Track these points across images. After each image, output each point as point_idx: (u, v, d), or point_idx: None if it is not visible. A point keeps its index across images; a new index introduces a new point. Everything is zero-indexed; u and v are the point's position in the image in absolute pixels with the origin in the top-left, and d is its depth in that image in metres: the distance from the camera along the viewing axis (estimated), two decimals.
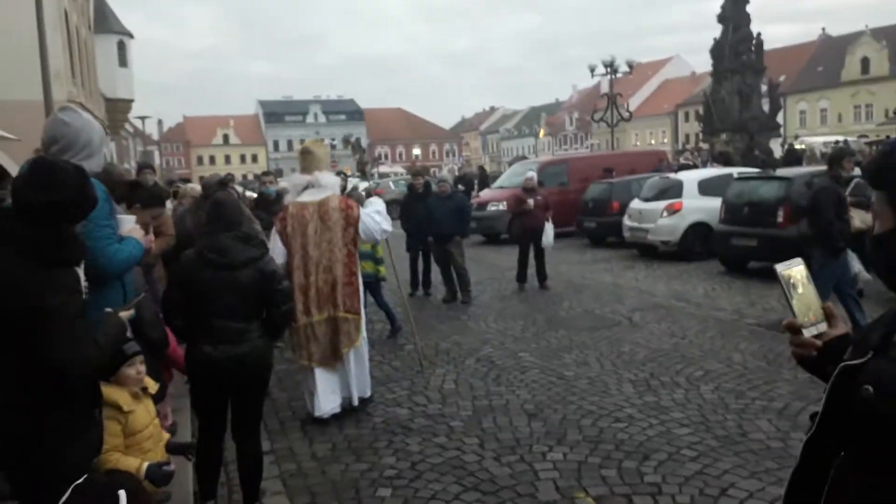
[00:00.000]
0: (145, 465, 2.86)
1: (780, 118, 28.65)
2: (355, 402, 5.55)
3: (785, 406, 5.21)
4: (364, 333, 5.60)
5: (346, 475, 4.45)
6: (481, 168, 32.73)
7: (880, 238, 1.31)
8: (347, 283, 5.33)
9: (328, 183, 5.44)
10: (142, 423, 3.01)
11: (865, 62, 53.41)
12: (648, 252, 13.51)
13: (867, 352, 1.23)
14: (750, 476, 4.12)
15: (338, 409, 5.43)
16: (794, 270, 1.50)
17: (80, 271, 2.46)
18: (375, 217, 5.51)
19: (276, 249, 5.19)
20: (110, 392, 2.87)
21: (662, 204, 13.07)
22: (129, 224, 3.39)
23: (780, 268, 1.48)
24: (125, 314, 2.67)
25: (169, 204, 7.52)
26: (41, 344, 2.22)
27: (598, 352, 6.93)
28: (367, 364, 5.70)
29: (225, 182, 7.12)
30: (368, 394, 5.72)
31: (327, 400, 5.37)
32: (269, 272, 3.72)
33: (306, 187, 5.43)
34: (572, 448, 4.66)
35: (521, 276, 10.73)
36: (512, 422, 5.19)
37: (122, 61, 28.34)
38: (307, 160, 5.61)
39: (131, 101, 29.41)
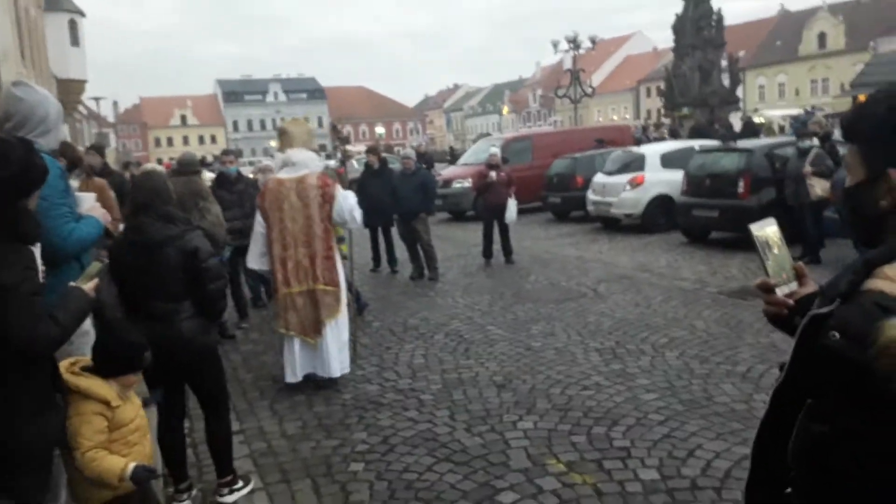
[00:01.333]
0: (131, 466, 2.70)
1: (739, 92, 29.11)
2: (334, 374, 5.54)
3: (748, 369, 5.33)
4: (345, 308, 5.66)
5: (318, 452, 4.44)
6: (451, 149, 32.36)
7: (850, 191, 1.32)
8: (326, 257, 5.47)
9: (301, 160, 5.54)
10: (128, 416, 2.88)
11: (822, 37, 54.40)
12: (612, 225, 13.66)
13: (834, 300, 1.25)
14: (716, 438, 4.21)
15: (310, 375, 5.56)
16: (769, 230, 1.51)
17: (37, 251, 2.38)
18: (351, 202, 5.59)
19: (257, 221, 5.54)
20: (98, 386, 2.75)
21: (625, 177, 13.19)
22: (88, 202, 3.28)
23: (755, 228, 1.49)
24: (90, 285, 2.58)
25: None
26: None
27: (565, 323, 6.99)
28: (345, 339, 5.70)
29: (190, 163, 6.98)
30: (347, 370, 5.73)
31: (302, 367, 5.52)
32: (191, 249, 3.56)
33: (284, 165, 5.61)
34: (542, 416, 4.71)
35: (487, 252, 10.76)
36: (482, 393, 5.22)
37: (74, 40, 27.40)
38: (283, 139, 5.76)
39: (84, 81, 28.51)
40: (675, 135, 19.98)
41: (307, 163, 5.58)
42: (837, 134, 11.12)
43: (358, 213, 5.65)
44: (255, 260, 5.72)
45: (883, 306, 1.01)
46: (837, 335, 1.11)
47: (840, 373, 1.15)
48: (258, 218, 5.58)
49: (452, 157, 25.52)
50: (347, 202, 5.56)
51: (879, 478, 1.09)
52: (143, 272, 3.50)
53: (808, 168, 9.09)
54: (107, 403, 2.77)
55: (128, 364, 2.89)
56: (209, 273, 3.62)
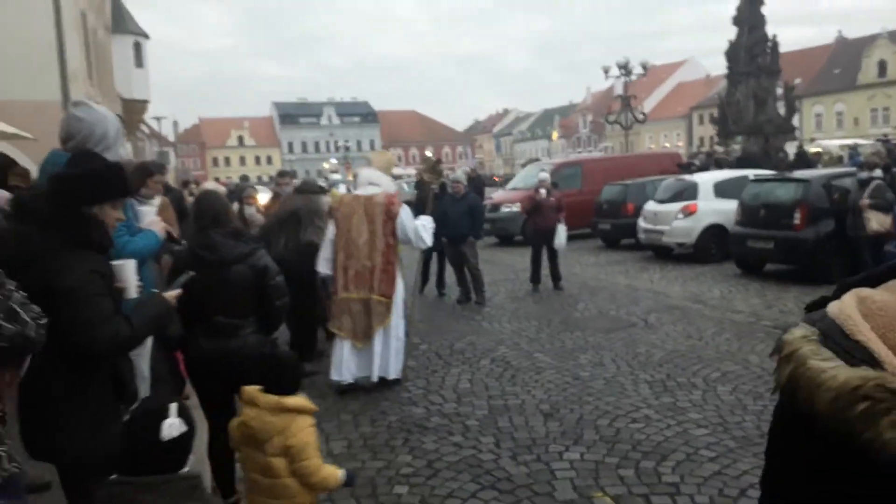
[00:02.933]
0: (342, 472, 3.01)
1: (795, 121, 28.44)
2: (374, 378, 5.95)
3: None
4: (399, 317, 6.09)
5: (363, 473, 4.44)
6: (473, 172, 29.87)
7: None
8: (383, 270, 5.94)
9: (376, 180, 6.20)
10: None
11: (882, 65, 52.91)
12: (663, 254, 13.45)
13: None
14: None
15: (353, 381, 5.96)
16: None
17: (131, 266, 2.50)
18: (416, 224, 6.13)
19: (328, 229, 6.13)
20: (306, 402, 3.04)
21: (678, 206, 13.00)
22: (149, 216, 3.40)
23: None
24: (172, 294, 2.69)
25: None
26: (65, 324, 2.24)
27: (614, 353, 6.89)
28: (398, 347, 6.09)
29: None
30: (398, 377, 6.09)
31: (348, 369, 5.93)
32: (261, 267, 3.66)
33: (363, 183, 6.27)
34: (589, 448, 4.63)
35: (535, 277, 10.71)
36: (528, 421, 5.17)
37: (139, 62, 28.48)
38: (376, 159, 6.65)
39: (147, 101, 29.60)
40: (719, 164, 19.48)
41: (381, 184, 6.17)
42: None
43: (426, 235, 6.18)
44: (323, 264, 6.12)
45: (812, 318, 0.98)
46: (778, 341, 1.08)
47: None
48: (330, 226, 6.11)
49: (478, 182, 25.26)
50: (411, 222, 6.05)
51: None
52: (211, 289, 3.57)
53: (865, 200, 8.83)
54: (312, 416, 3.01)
55: (298, 383, 3.13)
56: (277, 290, 3.72)
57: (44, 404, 2.38)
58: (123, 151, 3.56)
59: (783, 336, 0.97)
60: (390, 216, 5.95)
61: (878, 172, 9.35)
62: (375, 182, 6.17)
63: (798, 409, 0.91)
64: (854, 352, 0.89)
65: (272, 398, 2.95)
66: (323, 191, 7.56)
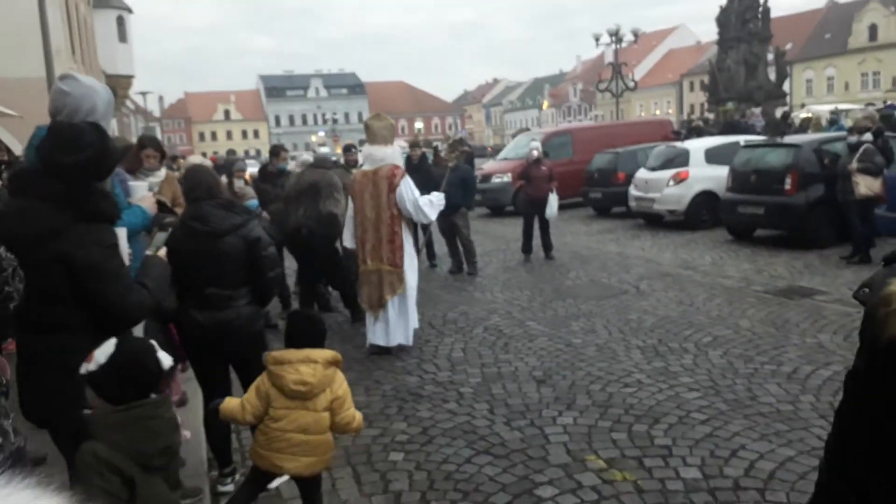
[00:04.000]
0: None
1: (786, 86, 28.37)
2: (391, 344, 6.21)
3: (794, 370, 5.22)
4: (411, 285, 6.29)
5: (358, 441, 4.48)
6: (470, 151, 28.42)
7: None
8: (390, 241, 6.16)
9: (381, 155, 6.24)
10: None
11: (873, 29, 52.66)
12: (654, 222, 13.48)
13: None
14: (760, 438, 4.14)
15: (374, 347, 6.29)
16: None
17: (122, 235, 2.54)
18: (420, 199, 6.22)
19: (350, 209, 6.41)
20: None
21: (669, 173, 13.00)
22: (140, 192, 3.36)
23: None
24: (161, 253, 2.77)
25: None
26: (93, 296, 2.38)
27: (606, 320, 6.94)
28: (410, 314, 6.30)
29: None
30: (410, 343, 6.30)
31: (375, 336, 6.26)
32: (253, 239, 3.65)
33: (366, 159, 6.40)
34: (582, 412, 4.68)
35: (527, 247, 10.72)
36: (521, 388, 5.22)
37: (122, 37, 28.05)
38: (368, 135, 6.43)
39: (132, 76, 29.21)
40: (698, 132, 19.35)
41: (385, 157, 6.25)
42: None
43: (429, 210, 6.27)
44: (349, 240, 6.49)
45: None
46: (867, 290, 1.09)
47: (869, 331, 1.09)
48: (350, 203, 6.42)
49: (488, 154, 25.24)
50: (410, 195, 6.15)
51: None
52: (202, 259, 3.57)
53: (854, 164, 8.84)
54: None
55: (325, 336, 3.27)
56: (269, 261, 3.71)
57: (52, 371, 2.43)
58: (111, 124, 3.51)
59: (890, 288, 0.97)
60: (392, 187, 6.08)
61: (867, 136, 9.35)
62: (376, 156, 6.26)
63: None
64: None
65: (327, 352, 3.11)
66: (336, 165, 7.85)
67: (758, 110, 22.89)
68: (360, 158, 7.78)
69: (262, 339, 3.89)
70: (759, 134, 17.19)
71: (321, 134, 71.40)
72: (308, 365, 3.05)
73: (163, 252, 2.81)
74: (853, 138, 9.25)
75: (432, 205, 6.32)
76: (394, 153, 6.36)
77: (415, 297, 6.43)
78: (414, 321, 6.41)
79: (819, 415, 4.42)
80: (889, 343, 0.96)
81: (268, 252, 3.71)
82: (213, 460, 4.03)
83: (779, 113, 23.73)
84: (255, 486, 3.29)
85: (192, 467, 3.99)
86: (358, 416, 3.19)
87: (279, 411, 3.06)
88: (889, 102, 25.92)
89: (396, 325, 6.21)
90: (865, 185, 8.79)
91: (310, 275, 7.47)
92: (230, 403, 3.18)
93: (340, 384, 3.14)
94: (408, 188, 6.14)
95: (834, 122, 18.69)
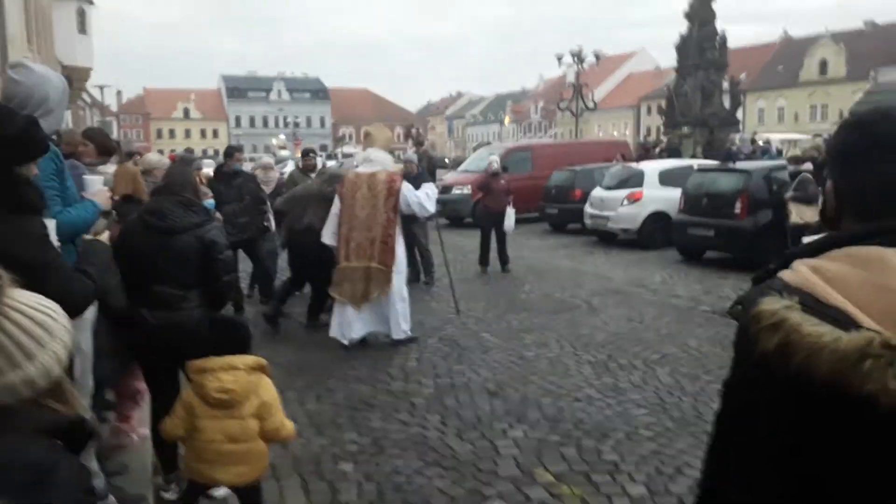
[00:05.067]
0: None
1: (739, 114, 29.27)
2: (394, 336, 6.59)
3: None
4: (402, 284, 6.67)
5: (308, 449, 4.44)
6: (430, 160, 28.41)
7: None
8: (383, 242, 6.47)
9: (378, 159, 6.71)
10: None
11: (823, 64, 54.74)
12: (608, 239, 13.72)
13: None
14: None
15: (360, 336, 6.59)
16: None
17: (51, 226, 2.41)
18: (419, 194, 6.67)
19: (334, 204, 6.64)
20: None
21: (623, 193, 13.26)
22: (95, 186, 3.28)
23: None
24: (104, 236, 2.64)
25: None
26: (32, 290, 2.20)
27: (558, 334, 7.02)
28: (403, 309, 6.65)
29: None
30: (401, 336, 6.62)
31: (353, 329, 6.52)
32: (209, 240, 3.57)
33: (364, 161, 6.77)
34: (532, 426, 4.73)
35: (484, 260, 10.79)
36: (473, 400, 5.24)
37: (82, 28, 27.35)
38: (367, 140, 7.05)
39: (90, 69, 28.46)
40: (674, 153, 20.05)
41: (383, 162, 6.70)
42: None
43: (429, 204, 6.78)
44: (329, 236, 6.68)
45: (773, 287, 1.07)
46: (740, 307, 1.15)
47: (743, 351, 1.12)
48: (335, 201, 6.63)
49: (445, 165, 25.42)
50: (413, 195, 6.61)
51: None
52: (155, 256, 3.49)
53: (789, 193, 9.28)
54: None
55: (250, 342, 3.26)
56: (224, 265, 3.64)
57: None
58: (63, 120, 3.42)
59: (760, 307, 1.02)
60: (392, 192, 6.46)
61: (806, 166, 9.73)
62: (375, 160, 6.65)
63: (788, 372, 0.97)
64: (833, 315, 0.97)
65: (249, 358, 3.07)
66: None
67: (746, 136, 23.42)
68: (319, 163, 8.40)
69: (206, 345, 3.80)
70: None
71: (282, 137, 70.61)
72: (229, 372, 3.02)
73: (105, 236, 2.69)
74: (791, 167, 9.67)
75: (429, 198, 6.80)
76: (390, 160, 6.89)
77: (405, 298, 6.71)
78: (402, 320, 6.66)
79: None
80: (761, 356, 1.01)
81: (223, 255, 3.64)
82: (158, 466, 3.94)
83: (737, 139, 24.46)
84: (193, 499, 3.24)
85: (137, 473, 3.90)
86: (288, 423, 3.16)
87: (204, 421, 3.01)
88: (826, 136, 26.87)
89: (384, 319, 6.58)
90: (797, 213, 9.26)
91: (305, 276, 7.59)
92: (165, 423, 3.14)
93: (267, 390, 3.10)
94: (410, 189, 6.64)
95: (765, 150, 19.35)
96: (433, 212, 7.07)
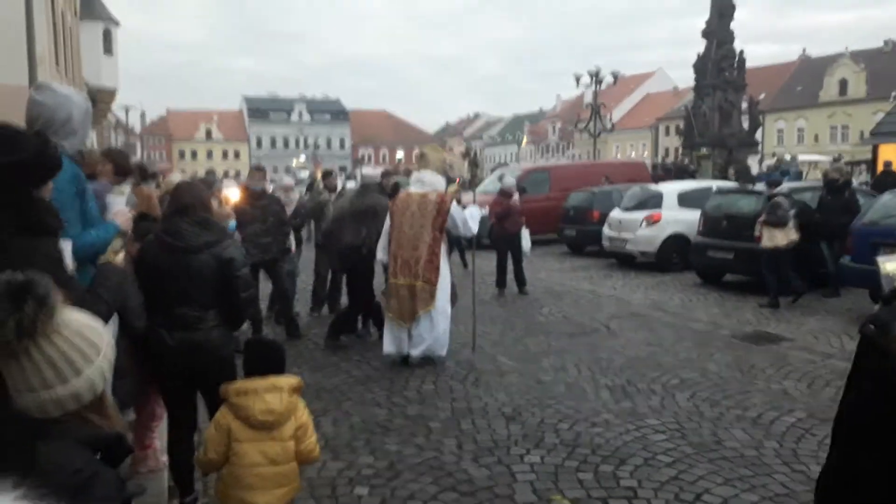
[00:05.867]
0: None
1: (758, 135, 29.11)
2: (415, 354, 6.70)
3: (759, 415, 5.30)
4: (446, 301, 6.86)
5: (323, 473, 4.44)
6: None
7: None
8: (428, 261, 6.68)
9: (430, 181, 6.94)
10: None
11: (843, 84, 54.39)
12: (627, 261, 13.64)
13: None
14: (724, 483, 4.18)
15: (419, 354, 6.73)
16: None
17: (67, 249, 2.43)
18: (464, 215, 6.97)
19: (386, 224, 6.90)
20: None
21: (642, 214, 13.21)
22: (117, 206, 3.33)
23: (882, 260, 1.56)
24: (118, 258, 2.66)
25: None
26: None
27: (576, 357, 6.98)
28: (445, 327, 6.83)
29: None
30: (443, 353, 6.80)
31: (390, 344, 6.77)
32: (226, 259, 3.57)
33: (416, 182, 6.98)
34: (549, 451, 4.69)
35: (501, 282, 10.78)
36: (490, 424, 5.22)
37: (108, 49, 27.90)
38: (421, 161, 7.25)
39: (115, 90, 29.01)
40: (686, 175, 19.91)
41: (434, 184, 6.93)
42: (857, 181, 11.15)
43: (473, 224, 7.05)
44: (381, 252, 6.95)
45: None
46: (873, 326, 1.22)
47: (875, 362, 1.22)
48: (387, 219, 6.85)
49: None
50: (460, 214, 6.93)
51: None
52: (174, 277, 3.51)
53: (762, 217, 9.43)
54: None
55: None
56: (242, 282, 3.63)
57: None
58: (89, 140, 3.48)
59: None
60: (441, 212, 6.72)
61: (780, 189, 9.84)
62: (427, 181, 6.91)
63: None
64: None
65: (292, 379, 3.11)
66: (384, 192, 8.10)
67: (798, 158, 23.30)
68: (340, 183, 8.16)
69: (231, 362, 3.79)
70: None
71: (302, 158, 71.31)
72: (273, 393, 3.02)
73: (119, 258, 2.72)
74: (767, 191, 9.83)
75: (473, 218, 7.08)
76: (442, 182, 7.13)
77: (447, 315, 6.91)
78: (444, 337, 6.85)
79: (782, 461, 4.48)
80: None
81: (241, 273, 3.64)
82: (175, 488, 3.96)
83: (753, 162, 24.37)
84: None
85: (154, 497, 3.92)
86: (318, 447, 3.24)
87: (244, 445, 2.99)
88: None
89: (431, 337, 6.71)
90: (768, 237, 9.35)
91: (357, 289, 7.68)
92: (199, 455, 3.15)
93: (304, 411, 3.13)
94: (457, 209, 6.96)
95: (785, 172, 19.21)
96: (475, 231, 7.25)
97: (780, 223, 9.31)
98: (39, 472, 1.13)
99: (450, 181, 13.74)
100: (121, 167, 5.01)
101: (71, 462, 1.30)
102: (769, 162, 22.78)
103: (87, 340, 1.44)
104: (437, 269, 6.73)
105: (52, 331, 1.40)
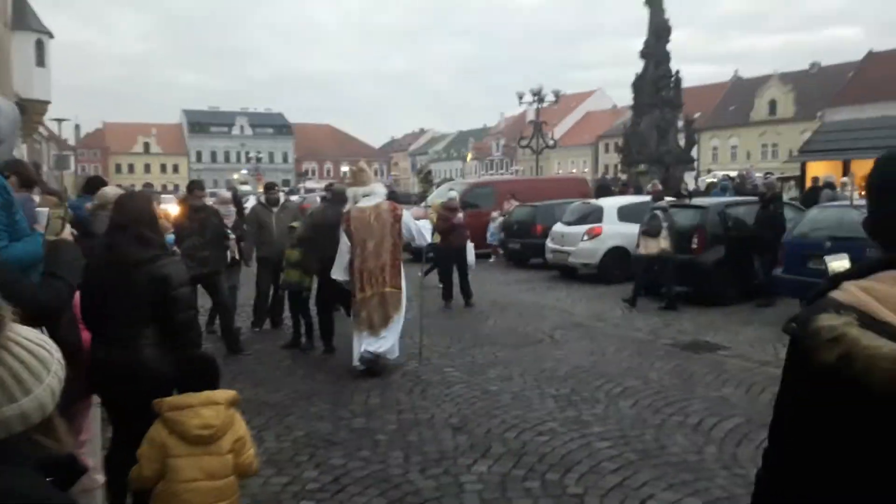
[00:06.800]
0: None
1: (694, 152, 30.08)
2: (379, 351, 6.83)
3: (699, 421, 5.42)
4: (404, 305, 7.06)
5: (267, 489, 4.33)
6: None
7: None
8: (392, 266, 6.92)
9: (378, 192, 7.17)
10: None
11: (773, 104, 56.82)
12: (569, 274, 13.85)
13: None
14: (668, 488, 4.25)
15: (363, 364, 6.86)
16: (843, 263, 1.61)
17: None
18: (418, 224, 7.34)
19: (343, 244, 6.93)
20: None
21: (583, 228, 13.46)
22: (44, 217, 3.19)
23: (829, 259, 1.60)
24: (66, 233, 2.58)
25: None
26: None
27: (522, 368, 7.02)
28: (399, 332, 7.01)
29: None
30: (395, 356, 6.99)
31: (370, 345, 6.81)
32: (161, 276, 3.42)
33: (363, 196, 7.04)
34: (497, 461, 4.69)
35: (447, 294, 10.79)
36: (437, 435, 5.18)
37: (40, 61, 26.98)
38: (359, 176, 7.33)
39: (48, 102, 27.97)
40: (637, 191, 20.43)
41: (381, 194, 7.17)
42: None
43: (426, 233, 7.46)
44: (339, 272, 6.98)
45: (828, 306, 1.20)
46: (794, 325, 1.27)
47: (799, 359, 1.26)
48: (343, 238, 6.93)
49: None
50: (413, 223, 7.22)
51: None
52: (110, 293, 3.40)
53: (642, 227, 10.17)
54: None
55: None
56: (178, 302, 3.46)
57: None
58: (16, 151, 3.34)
59: (822, 322, 1.17)
60: (396, 218, 6.95)
61: (660, 203, 10.65)
62: (376, 192, 7.10)
63: (847, 378, 1.12)
64: (887, 330, 1.12)
65: (228, 393, 3.06)
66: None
67: (758, 174, 23.93)
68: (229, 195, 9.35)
69: (166, 381, 3.45)
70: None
71: (244, 172, 70.15)
72: (210, 408, 2.96)
73: (67, 232, 2.63)
74: (657, 204, 10.63)
75: (426, 229, 7.47)
76: (383, 191, 7.36)
77: (402, 318, 7.10)
78: (398, 342, 7.07)
79: (723, 465, 4.58)
80: (819, 367, 1.16)
81: (178, 292, 3.47)
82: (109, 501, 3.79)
83: (689, 178, 25.14)
84: None
85: None
86: (257, 460, 3.18)
87: (179, 460, 2.91)
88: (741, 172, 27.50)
89: (392, 340, 6.92)
90: (643, 245, 10.40)
91: (334, 302, 7.88)
92: (133, 471, 3.03)
93: (241, 424, 3.08)
94: (410, 218, 7.21)
95: (724, 188, 19.96)
96: (428, 242, 7.43)
97: (653, 234, 10.24)
98: None
99: (393, 195, 13.84)
100: (26, 178, 4.82)
101: (21, 487, 1.22)
102: (731, 176, 23.60)
103: (36, 357, 1.37)
104: (400, 272, 6.98)
105: (1, 346, 1.32)
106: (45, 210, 3.41)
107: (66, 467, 1.42)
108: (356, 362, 6.83)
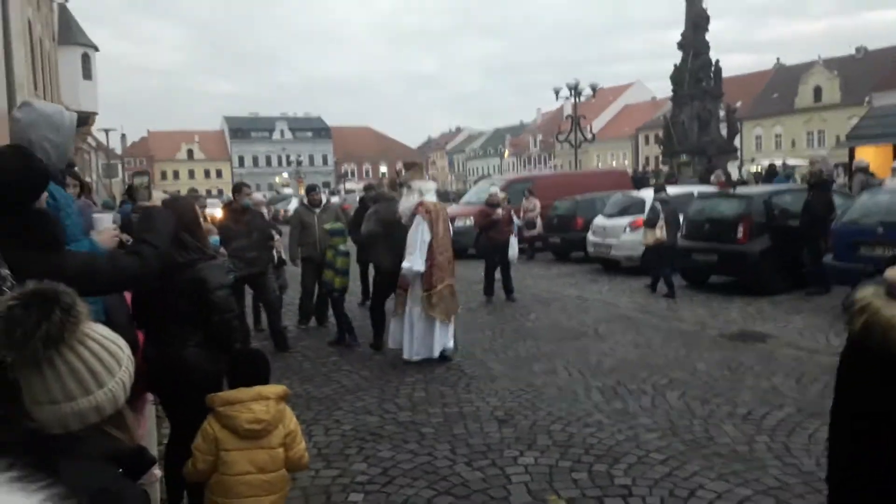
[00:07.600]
0: None
1: (737, 142, 29.47)
2: (451, 346, 7.24)
3: (749, 412, 5.33)
4: None
5: (316, 481, 4.41)
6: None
7: None
8: (450, 262, 7.31)
9: (433, 189, 7.58)
10: None
11: (818, 91, 55.28)
12: (612, 266, 13.71)
13: None
14: (717, 478, 4.19)
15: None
16: None
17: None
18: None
19: (424, 232, 7.02)
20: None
21: (626, 220, 13.30)
22: (104, 224, 3.29)
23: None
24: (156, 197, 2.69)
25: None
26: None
27: (566, 361, 6.99)
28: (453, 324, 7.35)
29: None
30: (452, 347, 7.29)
31: (426, 349, 7.10)
32: (199, 279, 3.52)
33: (428, 191, 7.34)
34: (543, 452, 4.69)
35: (489, 290, 10.79)
36: (482, 428, 5.21)
37: (87, 74, 27.86)
38: (416, 171, 7.63)
39: (95, 113, 28.88)
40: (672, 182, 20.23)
41: (433, 190, 7.54)
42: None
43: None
44: (419, 263, 7.01)
45: (874, 281, 1.24)
46: (843, 306, 1.31)
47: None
48: (426, 229, 7.03)
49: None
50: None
51: None
52: (159, 295, 3.50)
53: (644, 217, 10.70)
54: None
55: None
56: (215, 305, 3.55)
57: None
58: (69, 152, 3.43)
59: (856, 293, 1.21)
60: (449, 217, 7.45)
61: (662, 195, 10.89)
62: (433, 188, 7.52)
63: (869, 347, 1.14)
64: None
65: (277, 388, 3.11)
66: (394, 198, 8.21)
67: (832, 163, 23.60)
68: (263, 198, 9.56)
69: (214, 381, 3.50)
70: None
71: (285, 175, 71.07)
72: (259, 402, 3.02)
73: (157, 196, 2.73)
74: (659, 195, 10.90)
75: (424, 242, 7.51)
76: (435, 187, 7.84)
77: None
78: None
79: (774, 455, 4.50)
80: (850, 336, 1.20)
81: (214, 295, 3.55)
82: (167, 502, 3.91)
83: (732, 168, 24.66)
84: None
85: None
86: (307, 453, 3.23)
87: (232, 454, 2.98)
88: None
89: (446, 336, 7.19)
90: (643, 236, 10.79)
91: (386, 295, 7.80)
92: (187, 466, 3.11)
93: (291, 419, 3.13)
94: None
95: (789, 175, 19.59)
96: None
97: (651, 224, 10.52)
98: (63, 491, 1.09)
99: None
100: (84, 185, 5.01)
101: (96, 480, 1.28)
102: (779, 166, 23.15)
103: (109, 352, 1.44)
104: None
105: (77, 341, 1.39)
106: (104, 216, 3.54)
107: (136, 459, 1.48)
108: (425, 354, 7.04)
